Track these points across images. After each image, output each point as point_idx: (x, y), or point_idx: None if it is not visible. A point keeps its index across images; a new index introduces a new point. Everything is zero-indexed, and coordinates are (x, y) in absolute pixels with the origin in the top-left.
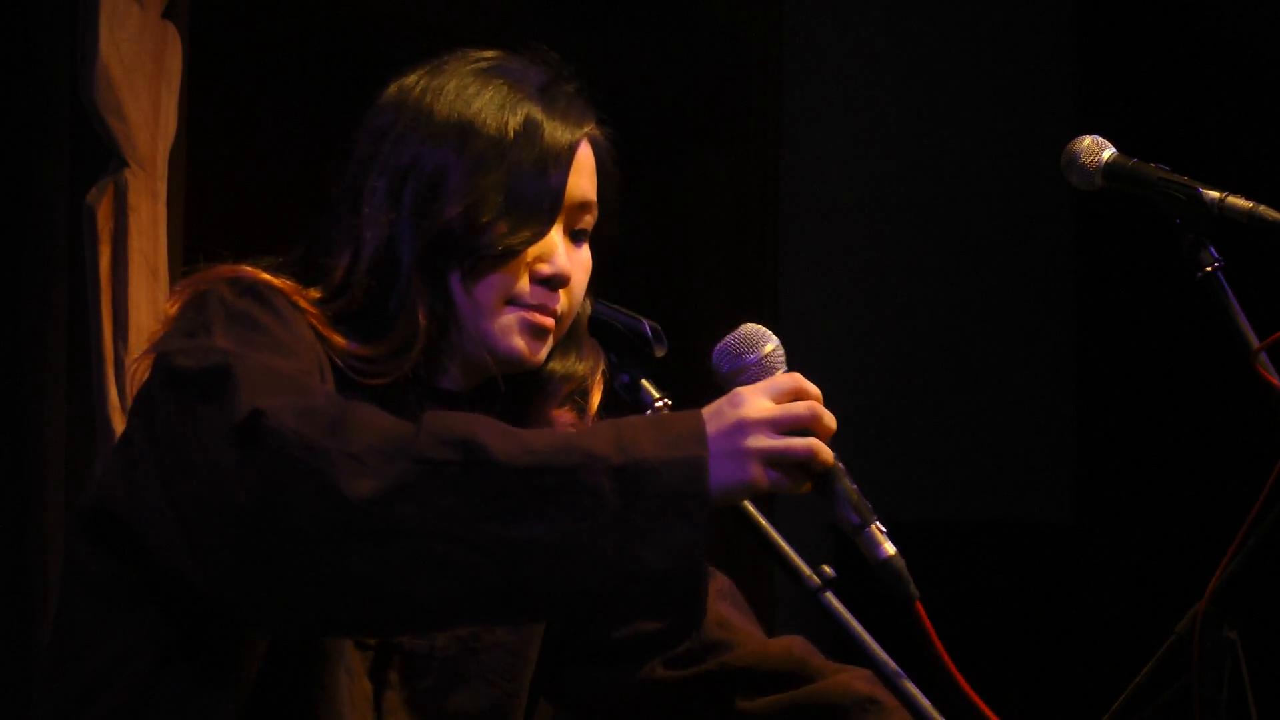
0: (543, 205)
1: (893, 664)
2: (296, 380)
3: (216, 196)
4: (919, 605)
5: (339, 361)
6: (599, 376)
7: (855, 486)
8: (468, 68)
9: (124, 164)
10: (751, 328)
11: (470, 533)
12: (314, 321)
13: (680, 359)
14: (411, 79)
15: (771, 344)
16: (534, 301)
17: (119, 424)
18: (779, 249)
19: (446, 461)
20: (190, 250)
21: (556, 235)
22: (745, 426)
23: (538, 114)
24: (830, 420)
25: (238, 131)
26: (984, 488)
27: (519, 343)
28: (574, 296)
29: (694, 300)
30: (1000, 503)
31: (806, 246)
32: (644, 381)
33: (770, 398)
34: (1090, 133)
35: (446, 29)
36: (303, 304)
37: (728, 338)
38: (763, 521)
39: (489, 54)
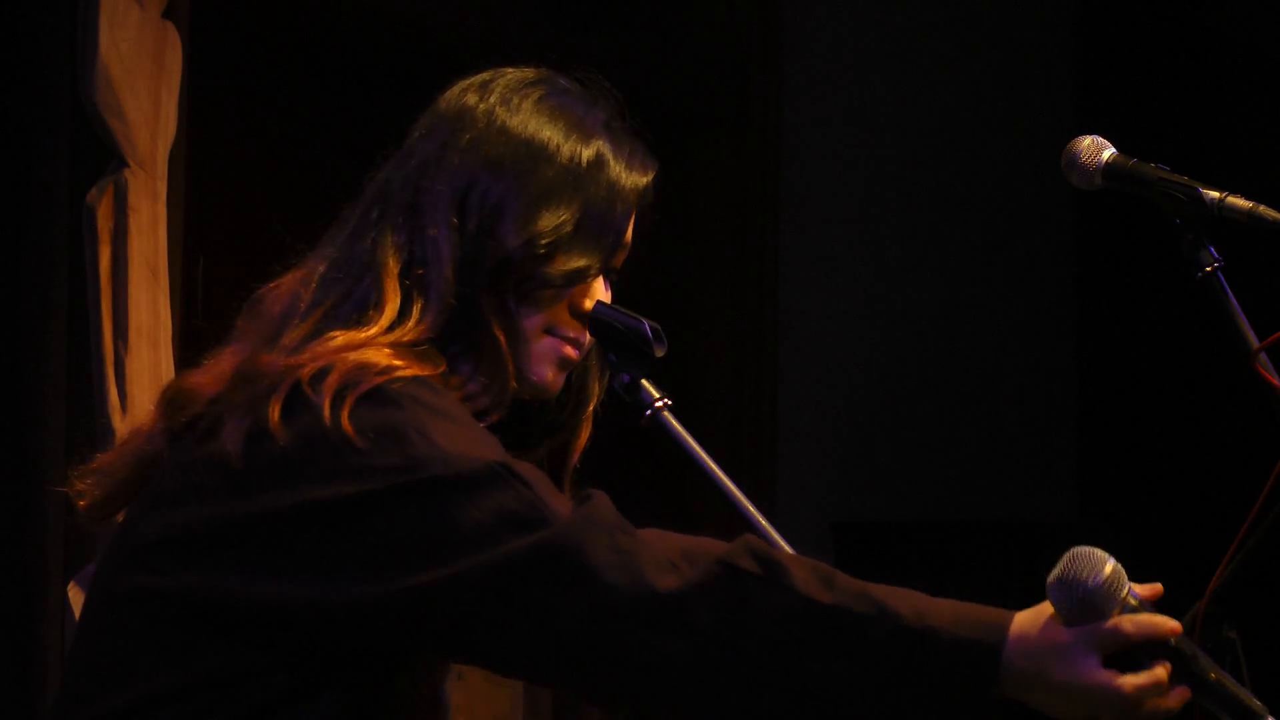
0: (606, 242)
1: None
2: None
3: (216, 196)
4: None
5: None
6: (588, 415)
7: None
8: (535, 90)
9: (124, 164)
10: (1081, 551)
11: (751, 650)
12: (432, 376)
13: (680, 359)
14: (471, 96)
15: (1110, 564)
16: (569, 334)
17: (119, 424)
18: (779, 249)
19: (750, 573)
20: (190, 250)
21: None
22: (1078, 678)
23: (607, 150)
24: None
25: (238, 131)
26: (984, 488)
27: (548, 373)
28: None
29: (694, 300)
30: (1000, 503)
31: (806, 246)
32: (644, 381)
33: (1137, 683)
34: (1090, 133)
35: (446, 29)
36: (421, 373)
37: (1058, 572)
38: (764, 522)
39: (551, 76)
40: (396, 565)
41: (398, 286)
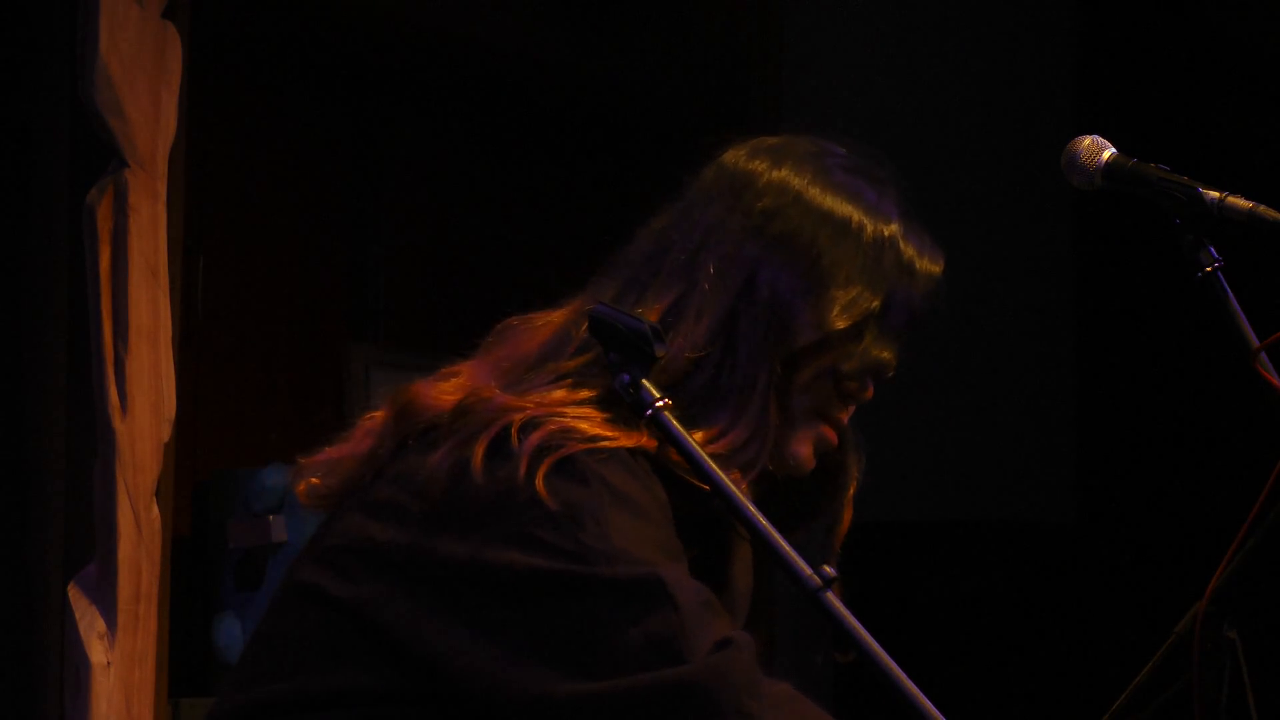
0: (901, 333)
1: (893, 664)
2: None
3: (216, 196)
4: None
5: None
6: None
7: None
8: (829, 161)
9: (124, 164)
10: None
11: None
12: (653, 447)
13: None
14: (761, 160)
15: None
16: (834, 417)
17: (119, 424)
18: None
19: None
20: (190, 250)
21: None
22: None
23: (904, 233)
24: None
25: (237, 132)
26: (984, 488)
27: (805, 452)
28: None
29: None
30: (1000, 503)
31: None
32: (644, 381)
33: None
34: (1090, 133)
35: (446, 31)
36: (639, 444)
37: None
38: (762, 521)
39: (837, 150)
40: (542, 660)
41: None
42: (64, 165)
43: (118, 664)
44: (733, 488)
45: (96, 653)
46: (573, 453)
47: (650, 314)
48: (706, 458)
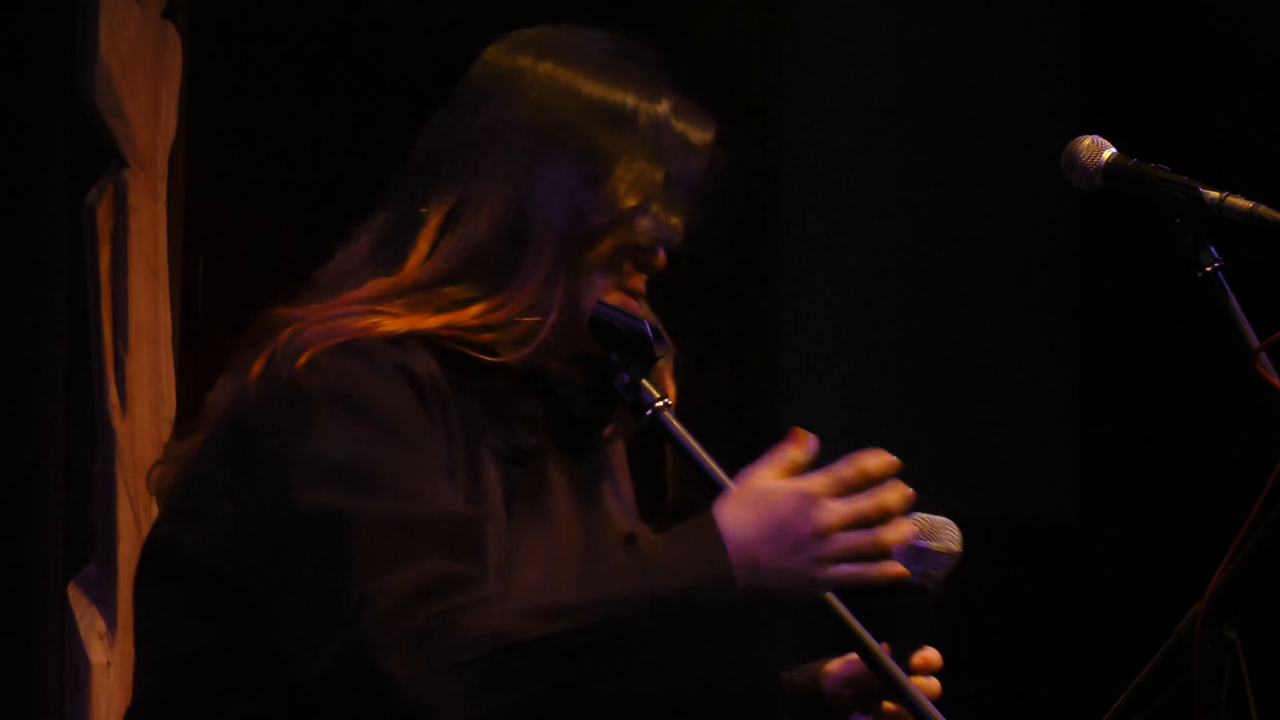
0: (685, 203)
1: (891, 663)
2: (412, 532)
3: (216, 196)
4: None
5: (466, 344)
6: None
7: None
8: (590, 48)
9: (124, 164)
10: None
11: (566, 693)
12: (429, 328)
13: (679, 359)
14: (527, 54)
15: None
16: (629, 286)
17: (118, 424)
18: (779, 249)
19: (483, 659)
20: (190, 250)
21: None
22: (822, 536)
23: (676, 108)
24: (896, 496)
25: (238, 131)
26: (984, 488)
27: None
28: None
29: (693, 301)
30: (1000, 503)
31: (806, 246)
32: (644, 382)
33: (835, 489)
34: (1090, 133)
35: (445, 29)
36: (410, 325)
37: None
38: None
39: (602, 34)
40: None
41: (436, 227)
42: (64, 165)
43: (118, 664)
44: (731, 485)
45: (96, 653)
46: (318, 351)
47: (435, 215)
48: (707, 457)
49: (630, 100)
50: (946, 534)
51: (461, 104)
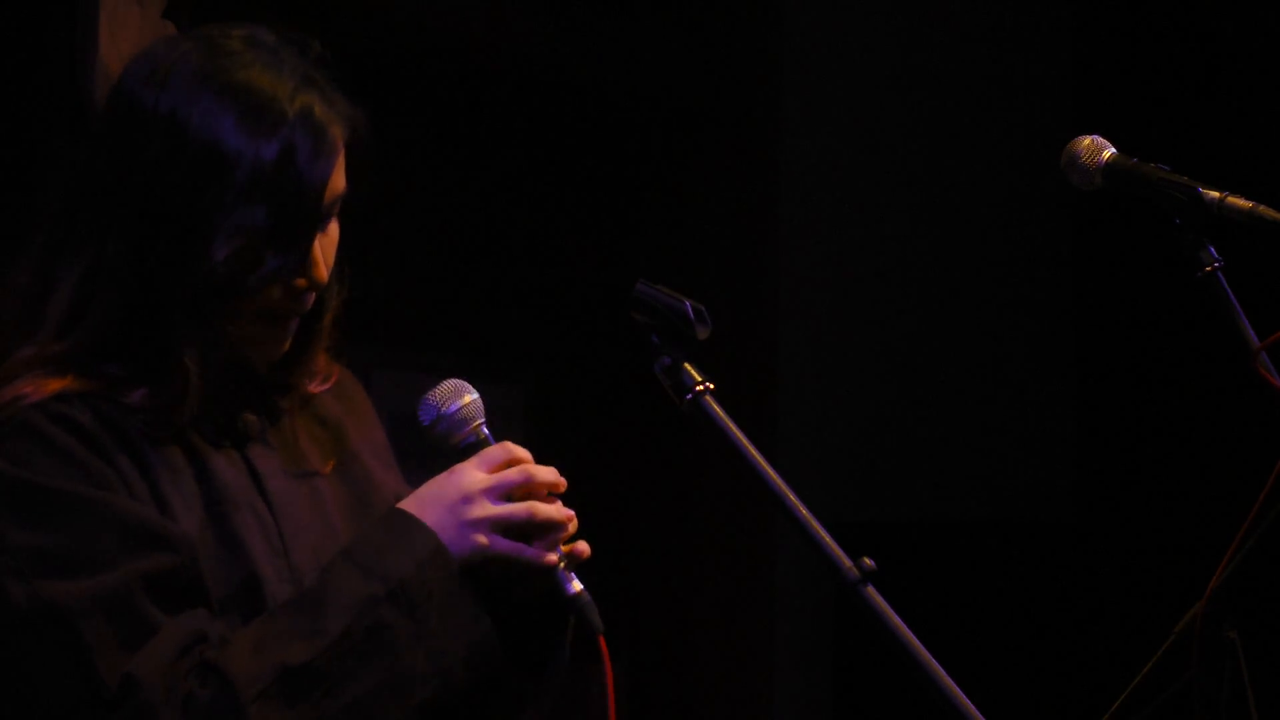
0: (306, 227)
1: (933, 660)
2: (134, 601)
3: None
4: (601, 640)
5: (135, 419)
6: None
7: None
8: (215, 79)
9: None
10: (452, 382)
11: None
12: (80, 389)
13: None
14: (148, 91)
15: (469, 396)
16: (287, 309)
17: None
18: (779, 249)
19: (268, 691)
20: None
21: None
22: (469, 499)
23: (294, 138)
24: (546, 475)
25: None
26: (984, 488)
27: (274, 350)
28: (326, 277)
29: (693, 300)
30: (1000, 502)
31: (806, 247)
32: (686, 365)
33: (484, 469)
34: (1090, 133)
35: (446, 30)
36: (62, 387)
37: (429, 392)
38: (803, 511)
39: (229, 50)
40: None
41: (67, 302)
42: (64, 165)
43: None
44: (777, 480)
45: None
46: None
47: (66, 285)
48: (750, 446)
49: (239, 145)
50: (453, 391)
51: (93, 149)
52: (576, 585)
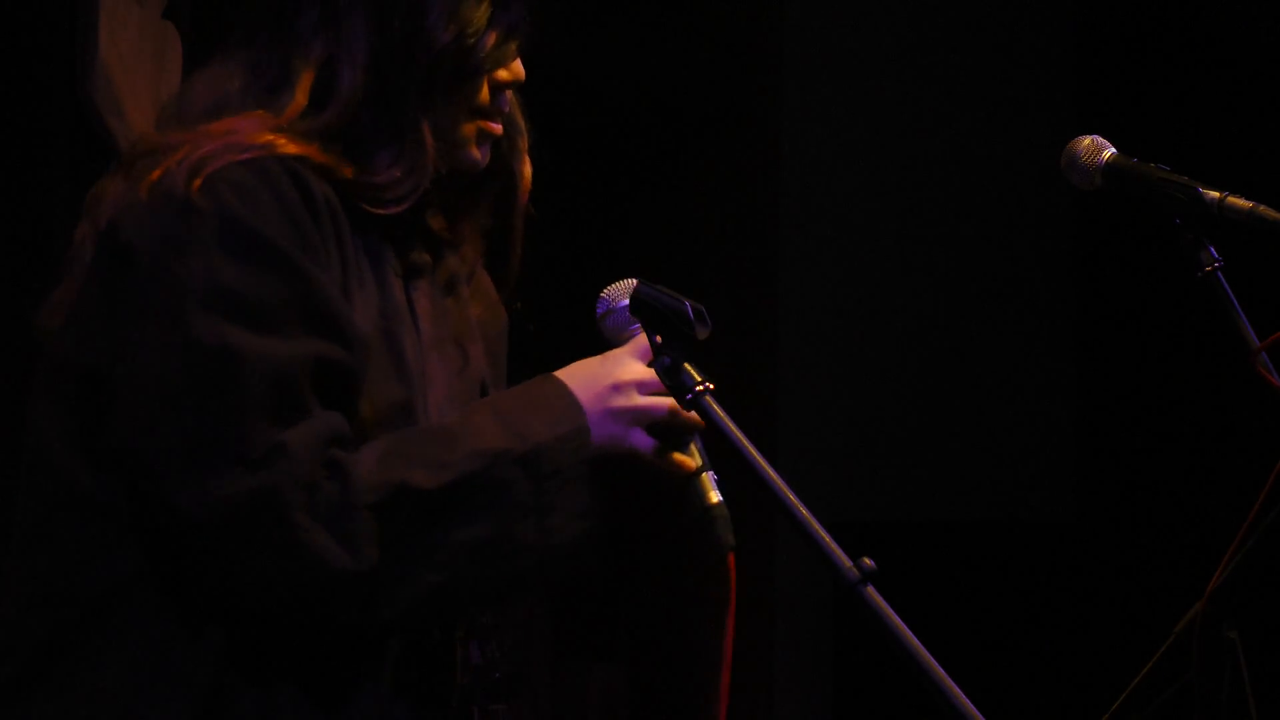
0: (521, 15)
1: (933, 661)
2: (299, 378)
3: None
4: (731, 557)
5: (351, 194)
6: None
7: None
8: None
9: None
10: (627, 280)
11: (421, 549)
12: (322, 161)
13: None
14: None
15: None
16: (492, 108)
17: None
18: (779, 249)
19: (382, 504)
20: None
21: None
22: (618, 388)
23: None
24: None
25: None
26: (984, 488)
27: (476, 153)
28: (524, 74)
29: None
30: (1000, 503)
31: (806, 247)
32: (686, 365)
33: (640, 360)
34: (1090, 132)
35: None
36: (318, 158)
37: (605, 288)
38: (803, 511)
39: None
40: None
41: (311, 83)
42: (64, 165)
43: None
44: (777, 480)
45: None
46: (216, 169)
47: (306, 70)
48: (750, 446)
49: None
50: (626, 288)
51: None
52: (714, 495)
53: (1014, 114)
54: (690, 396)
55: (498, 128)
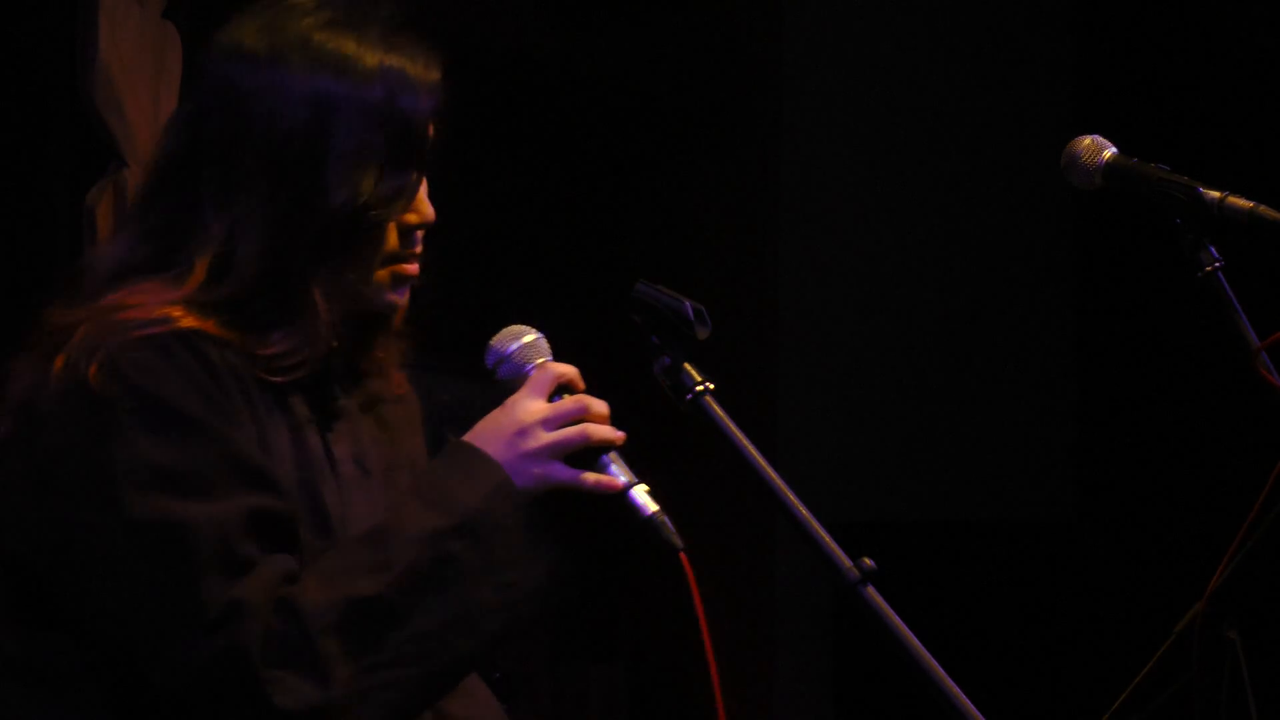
0: (414, 162)
1: (933, 661)
2: (244, 530)
3: None
4: (683, 556)
5: (260, 368)
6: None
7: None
8: (312, 35)
9: (124, 164)
10: (513, 327)
11: (390, 650)
12: (218, 335)
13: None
14: (250, 41)
15: (530, 335)
16: (405, 252)
17: None
18: (779, 249)
19: (339, 623)
20: None
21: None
22: (523, 432)
23: (393, 71)
24: (597, 404)
25: None
26: (984, 488)
27: (393, 297)
28: (434, 215)
29: (693, 300)
30: (1000, 503)
31: (806, 246)
32: (686, 365)
33: (539, 397)
34: (1090, 133)
35: (444, 29)
36: (214, 331)
37: (492, 338)
38: (803, 511)
39: (316, 6)
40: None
41: (210, 257)
42: (64, 165)
43: None
44: (777, 480)
45: None
46: (115, 348)
47: (207, 245)
48: (750, 446)
49: (343, 89)
50: (512, 334)
51: (195, 114)
52: (650, 505)
53: (1014, 114)
54: (690, 397)
55: (412, 268)
